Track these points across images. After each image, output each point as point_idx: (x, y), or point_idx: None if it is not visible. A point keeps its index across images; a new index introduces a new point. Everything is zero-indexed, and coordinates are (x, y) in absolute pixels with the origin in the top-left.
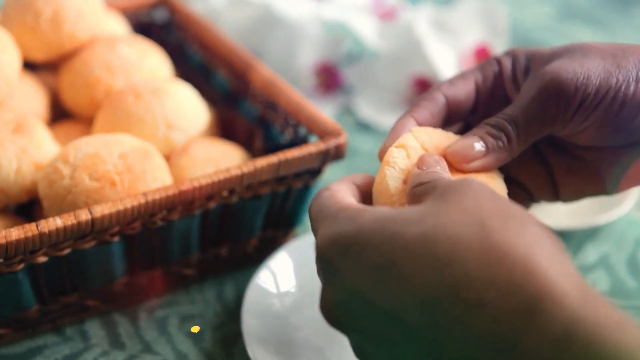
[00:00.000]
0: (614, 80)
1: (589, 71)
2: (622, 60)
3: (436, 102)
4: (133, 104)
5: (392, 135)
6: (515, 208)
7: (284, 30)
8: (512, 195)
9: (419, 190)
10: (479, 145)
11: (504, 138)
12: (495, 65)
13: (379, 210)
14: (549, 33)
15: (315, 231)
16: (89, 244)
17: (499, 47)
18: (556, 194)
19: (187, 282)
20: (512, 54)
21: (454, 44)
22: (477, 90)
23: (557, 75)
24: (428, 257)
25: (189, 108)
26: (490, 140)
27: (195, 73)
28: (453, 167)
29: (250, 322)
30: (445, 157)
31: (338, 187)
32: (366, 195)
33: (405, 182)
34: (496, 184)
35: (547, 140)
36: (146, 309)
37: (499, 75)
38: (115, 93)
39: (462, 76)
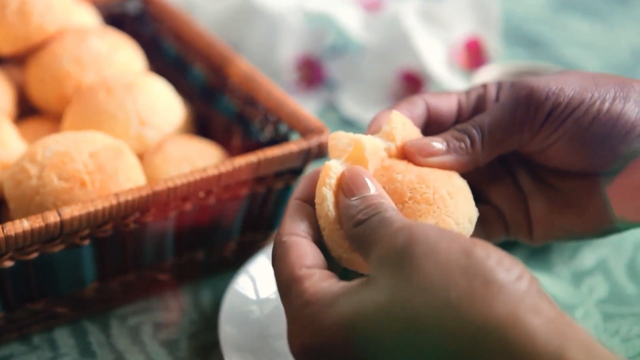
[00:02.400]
0: (589, 95)
1: (564, 83)
2: (602, 80)
3: (417, 107)
4: (104, 100)
5: (372, 127)
6: (477, 256)
7: (264, 21)
8: (488, 220)
9: (359, 234)
10: (439, 144)
11: (468, 141)
12: (480, 89)
13: (338, 306)
14: (544, 25)
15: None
16: (57, 248)
17: (491, 40)
18: (530, 233)
19: (162, 287)
20: (499, 83)
21: (443, 37)
22: (460, 108)
23: (529, 84)
24: (408, 352)
25: (164, 104)
26: (453, 141)
27: (170, 67)
28: (411, 161)
29: (228, 330)
30: (403, 149)
31: (292, 242)
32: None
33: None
34: (454, 183)
35: (520, 164)
36: (118, 316)
37: (482, 98)
38: (85, 88)
39: (446, 93)
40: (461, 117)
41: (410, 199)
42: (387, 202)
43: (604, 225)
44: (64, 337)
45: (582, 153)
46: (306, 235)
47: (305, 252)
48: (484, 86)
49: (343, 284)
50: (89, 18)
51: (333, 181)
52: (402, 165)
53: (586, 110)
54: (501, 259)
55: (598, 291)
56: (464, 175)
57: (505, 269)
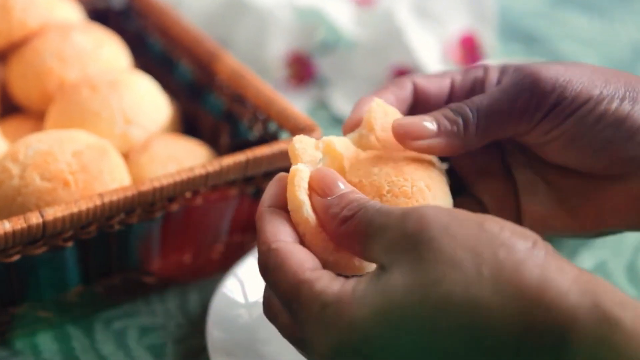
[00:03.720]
0: (597, 92)
1: (572, 75)
2: (612, 78)
3: (403, 88)
4: (88, 98)
5: (354, 113)
6: (491, 229)
7: (253, 17)
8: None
9: (350, 230)
10: (429, 124)
11: (461, 123)
12: (480, 72)
13: (361, 301)
14: (542, 20)
15: (292, 327)
16: (40, 250)
17: (486, 36)
18: (519, 221)
19: (148, 291)
20: (503, 67)
21: (437, 33)
22: (452, 89)
23: (537, 71)
24: (448, 331)
25: (149, 102)
26: (445, 122)
27: (156, 64)
28: (393, 148)
29: (215, 334)
30: (391, 130)
31: (285, 248)
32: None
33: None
34: (431, 174)
35: (516, 154)
36: (103, 320)
37: (482, 81)
38: (68, 85)
39: (439, 73)
40: (453, 99)
41: (388, 192)
42: (362, 196)
43: (598, 229)
44: (46, 341)
45: (582, 153)
46: (295, 239)
47: (303, 257)
48: (485, 69)
49: (356, 279)
50: (73, 13)
51: (306, 184)
52: (379, 157)
53: (592, 109)
54: (514, 229)
55: None
56: (450, 157)
57: (522, 238)
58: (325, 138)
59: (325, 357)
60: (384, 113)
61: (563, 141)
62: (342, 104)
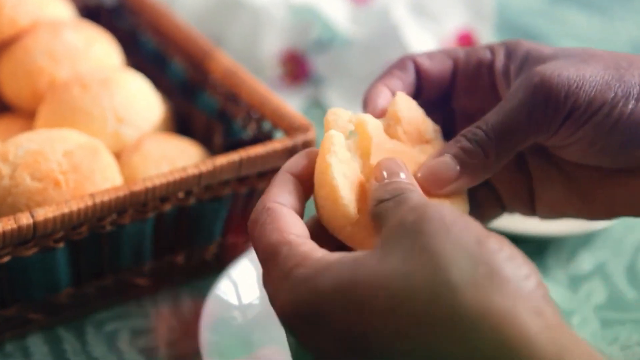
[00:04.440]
0: (612, 94)
1: (584, 79)
2: (627, 72)
3: (407, 72)
4: (79, 96)
5: (370, 106)
6: (488, 247)
7: (247, 14)
8: (481, 200)
9: (378, 211)
10: (451, 166)
11: (481, 153)
12: (487, 53)
13: (337, 267)
14: (540, 18)
15: (265, 280)
16: (30, 251)
17: (484, 33)
18: (532, 208)
19: (140, 292)
20: (509, 47)
21: (434, 30)
22: (456, 70)
23: (548, 79)
24: (401, 325)
25: (142, 100)
26: (464, 157)
27: (149, 62)
28: (416, 143)
29: (209, 337)
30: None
31: (279, 210)
32: (309, 183)
33: (360, 186)
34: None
35: (532, 146)
36: (94, 323)
37: (489, 65)
38: (59, 84)
39: (441, 51)
40: (457, 81)
41: None
42: (416, 187)
43: (610, 216)
44: (37, 344)
45: (600, 154)
46: (294, 208)
47: (294, 221)
48: (491, 50)
49: (340, 253)
50: (63, 11)
51: (337, 149)
52: (403, 152)
53: (607, 113)
54: (513, 255)
55: (596, 296)
56: None
57: (515, 266)
58: (360, 115)
59: (284, 314)
60: (408, 108)
61: (581, 145)
62: (337, 103)
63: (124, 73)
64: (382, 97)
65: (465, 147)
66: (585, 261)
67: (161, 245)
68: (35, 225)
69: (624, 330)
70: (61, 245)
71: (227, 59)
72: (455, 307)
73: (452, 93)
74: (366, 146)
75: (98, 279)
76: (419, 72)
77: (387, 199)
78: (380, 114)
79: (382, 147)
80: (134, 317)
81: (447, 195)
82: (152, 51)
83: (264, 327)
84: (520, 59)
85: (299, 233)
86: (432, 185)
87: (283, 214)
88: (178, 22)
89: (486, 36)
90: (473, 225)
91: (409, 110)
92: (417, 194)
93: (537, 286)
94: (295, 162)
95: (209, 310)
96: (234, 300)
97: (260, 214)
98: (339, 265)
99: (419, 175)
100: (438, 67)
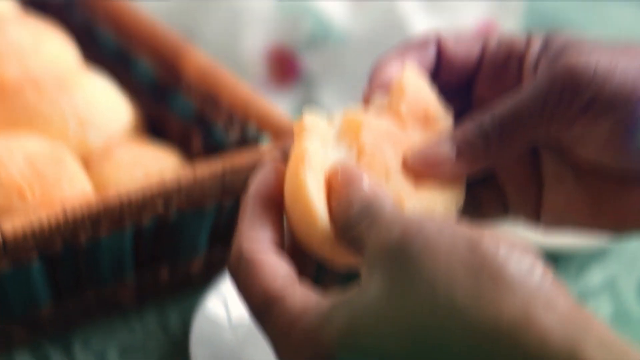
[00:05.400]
0: None
1: (615, 70)
2: None
3: (427, 53)
4: (34, 100)
5: (378, 78)
6: (484, 250)
7: (225, 5)
8: (483, 198)
9: (354, 237)
10: (447, 150)
11: (483, 141)
12: (521, 43)
13: (333, 318)
14: (573, 9)
15: (265, 334)
16: (2, 266)
17: (508, 26)
18: (537, 212)
19: (124, 308)
20: (548, 38)
21: (449, 23)
22: (483, 59)
23: (572, 67)
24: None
25: (105, 102)
26: (464, 143)
27: (110, 61)
28: (416, 125)
29: (199, 352)
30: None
31: (258, 260)
32: (281, 199)
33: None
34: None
35: (549, 144)
36: (81, 340)
37: (520, 56)
38: (9, 85)
39: (472, 35)
40: (481, 71)
41: (397, 171)
42: (383, 193)
43: (616, 228)
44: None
45: (619, 155)
46: (271, 244)
47: (276, 268)
48: (528, 42)
49: (330, 297)
50: (4, 4)
51: (314, 165)
52: (396, 136)
53: (632, 111)
54: (511, 250)
55: (603, 312)
56: None
57: (516, 261)
58: (344, 111)
59: None
60: (416, 83)
61: (598, 142)
62: (332, 105)
63: (83, 73)
64: (392, 70)
65: (466, 131)
66: (596, 275)
67: (142, 259)
68: (3, 237)
69: None
70: (35, 260)
71: (202, 57)
72: (467, 329)
73: (474, 82)
74: (355, 131)
75: (79, 295)
76: (440, 54)
77: (358, 223)
78: (385, 88)
79: (375, 127)
80: (121, 333)
81: (439, 182)
82: (112, 48)
83: (255, 341)
84: (555, 51)
85: (285, 280)
86: (423, 169)
87: (262, 264)
88: (141, 15)
89: (511, 29)
90: (461, 231)
91: (418, 87)
92: (387, 204)
93: (543, 276)
94: (263, 182)
95: (199, 326)
96: (223, 315)
97: (239, 262)
98: (333, 314)
99: (409, 157)
100: (463, 51)
